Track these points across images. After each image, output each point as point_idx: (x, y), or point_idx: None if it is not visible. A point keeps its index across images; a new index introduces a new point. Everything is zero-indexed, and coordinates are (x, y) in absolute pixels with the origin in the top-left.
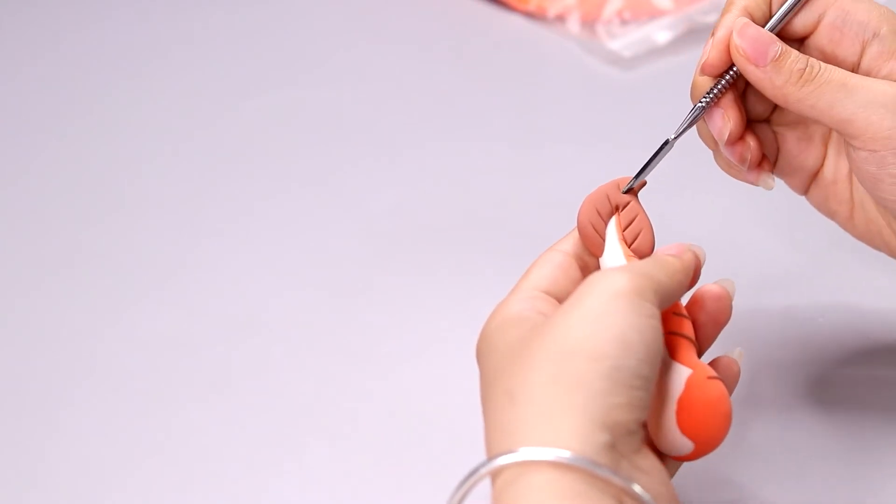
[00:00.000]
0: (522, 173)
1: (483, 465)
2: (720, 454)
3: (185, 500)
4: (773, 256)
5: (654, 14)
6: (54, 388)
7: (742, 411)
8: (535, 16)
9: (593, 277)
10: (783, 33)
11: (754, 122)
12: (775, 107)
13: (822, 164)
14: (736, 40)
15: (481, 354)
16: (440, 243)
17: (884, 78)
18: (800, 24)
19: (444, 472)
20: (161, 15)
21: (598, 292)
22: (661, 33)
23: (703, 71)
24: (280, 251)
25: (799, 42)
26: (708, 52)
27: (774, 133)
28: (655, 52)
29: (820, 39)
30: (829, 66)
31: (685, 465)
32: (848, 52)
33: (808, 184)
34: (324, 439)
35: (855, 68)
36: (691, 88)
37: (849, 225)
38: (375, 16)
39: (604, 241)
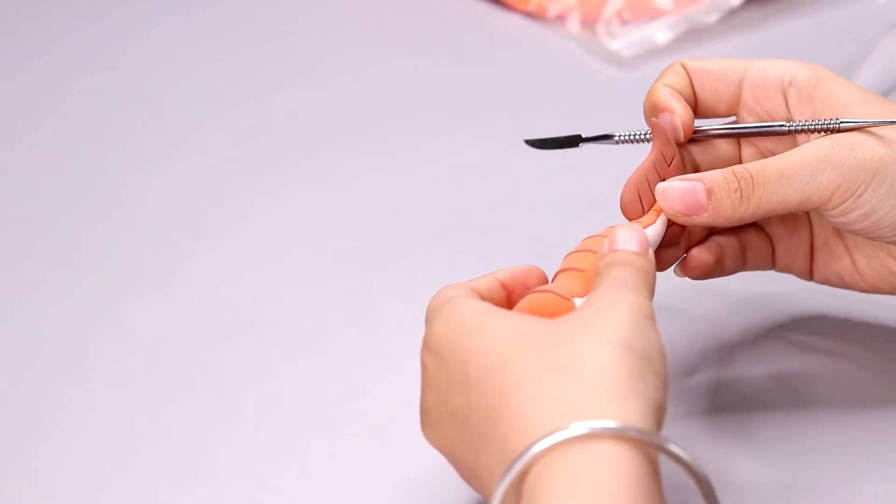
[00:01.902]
0: (522, 173)
1: (558, 432)
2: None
3: (185, 500)
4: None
5: (654, 14)
6: (54, 387)
7: (738, 412)
8: (535, 16)
9: (623, 293)
10: (713, 103)
11: (739, 228)
12: None
13: (812, 233)
14: (665, 206)
15: (474, 343)
16: (440, 243)
17: (806, 120)
18: (724, 88)
19: (445, 471)
20: (161, 15)
21: (628, 307)
22: (661, 33)
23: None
24: (280, 251)
25: (731, 107)
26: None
27: (762, 228)
28: (655, 52)
29: (747, 102)
30: (758, 164)
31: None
32: (773, 105)
33: (810, 259)
34: (324, 439)
35: (787, 118)
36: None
37: (856, 277)
38: (375, 16)
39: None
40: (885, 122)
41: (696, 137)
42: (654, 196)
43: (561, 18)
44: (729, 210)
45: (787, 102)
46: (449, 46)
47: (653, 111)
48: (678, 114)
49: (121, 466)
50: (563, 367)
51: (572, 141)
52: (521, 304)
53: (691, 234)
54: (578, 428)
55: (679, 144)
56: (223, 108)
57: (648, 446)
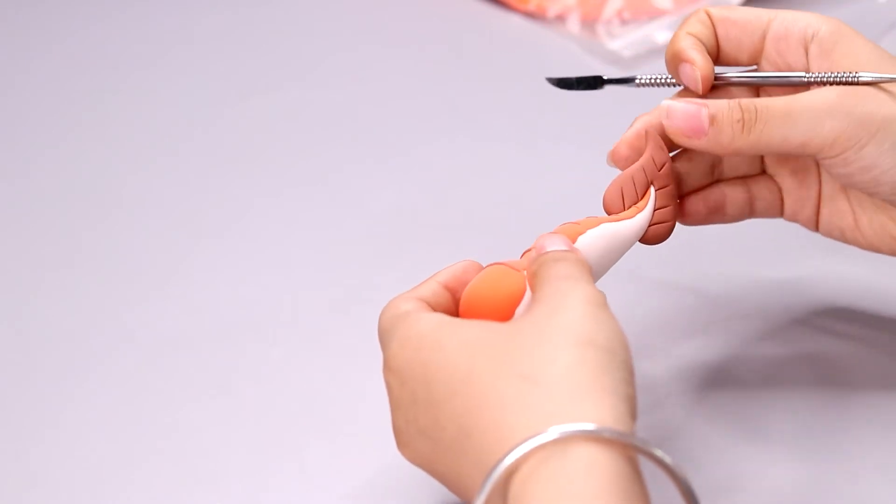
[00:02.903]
0: (522, 173)
1: (532, 438)
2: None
3: (185, 500)
4: (771, 261)
5: (654, 14)
6: (54, 387)
7: (737, 407)
8: (535, 16)
9: (570, 284)
10: (736, 53)
11: (749, 177)
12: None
13: (820, 185)
14: (668, 125)
15: (433, 360)
16: (440, 243)
17: (824, 73)
18: (748, 39)
19: None
20: (161, 15)
21: (580, 300)
22: (661, 33)
23: (612, 159)
24: (280, 251)
25: (753, 58)
26: (618, 143)
27: (772, 178)
28: (655, 52)
29: (769, 54)
30: (764, 100)
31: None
32: (795, 58)
33: (816, 212)
34: (324, 439)
35: (807, 71)
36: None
37: (857, 234)
38: (375, 16)
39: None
40: None
41: (716, 84)
42: (637, 196)
43: (561, 18)
44: (728, 138)
45: (807, 56)
46: (449, 46)
47: (674, 60)
48: (698, 66)
49: (121, 466)
50: (527, 376)
51: (594, 82)
52: (474, 280)
53: (694, 179)
54: (552, 433)
55: (698, 95)
56: (223, 108)
57: (623, 446)
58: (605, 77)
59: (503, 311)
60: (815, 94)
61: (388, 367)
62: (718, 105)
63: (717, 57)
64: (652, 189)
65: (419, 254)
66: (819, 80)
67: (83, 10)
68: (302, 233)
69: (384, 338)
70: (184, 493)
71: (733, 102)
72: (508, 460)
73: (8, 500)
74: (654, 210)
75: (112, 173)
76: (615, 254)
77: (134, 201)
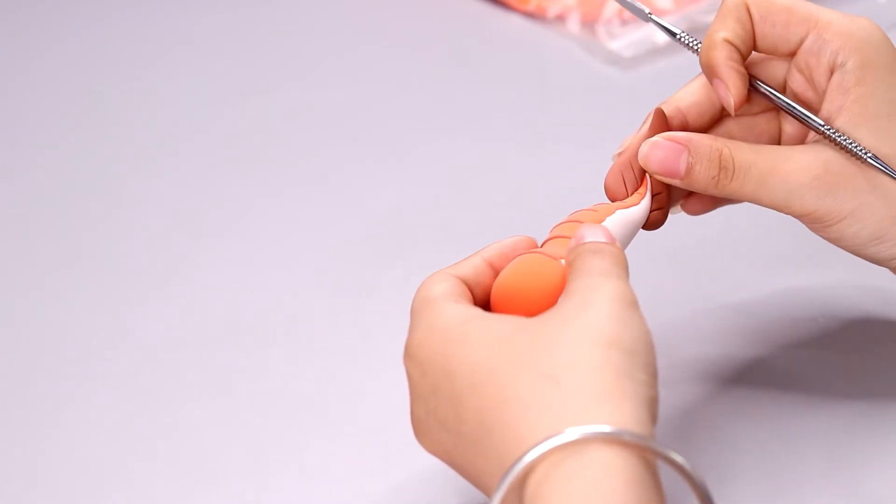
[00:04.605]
0: (522, 173)
1: (549, 439)
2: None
3: (185, 500)
4: (771, 259)
5: (654, 14)
6: (54, 388)
7: (742, 409)
8: (535, 16)
9: (601, 280)
10: (772, 52)
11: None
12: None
13: None
14: (644, 163)
15: (457, 353)
16: (441, 243)
17: (834, 112)
18: (784, 44)
19: (445, 471)
20: (161, 15)
21: (609, 297)
22: (661, 33)
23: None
24: (280, 251)
25: (788, 57)
26: (634, 141)
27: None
28: (655, 52)
29: (799, 62)
30: (748, 157)
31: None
32: (819, 78)
33: None
34: (324, 439)
35: (822, 95)
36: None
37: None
38: (375, 16)
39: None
40: None
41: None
42: (637, 180)
43: (561, 18)
44: (701, 187)
45: (828, 83)
46: (449, 46)
47: (709, 72)
48: (733, 92)
49: (121, 466)
50: (550, 375)
51: (640, 12)
52: (507, 268)
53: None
54: (570, 434)
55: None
56: (223, 108)
57: (641, 449)
58: (652, 15)
59: (539, 305)
60: (802, 160)
61: (409, 356)
62: (699, 153)
63: (754, 47)
64: (647, 175)
65: (419, 254)
66: (833, 138)
67: (83, 10)
68: (302, 233)
69: (412, 320)
70: (184, 493)
71: (714, 154)
72: (525, 460)
73: (8, 500)
74: (652, 196)
75: (112, 173)
76: (628, 241)
77: (134, 201)
